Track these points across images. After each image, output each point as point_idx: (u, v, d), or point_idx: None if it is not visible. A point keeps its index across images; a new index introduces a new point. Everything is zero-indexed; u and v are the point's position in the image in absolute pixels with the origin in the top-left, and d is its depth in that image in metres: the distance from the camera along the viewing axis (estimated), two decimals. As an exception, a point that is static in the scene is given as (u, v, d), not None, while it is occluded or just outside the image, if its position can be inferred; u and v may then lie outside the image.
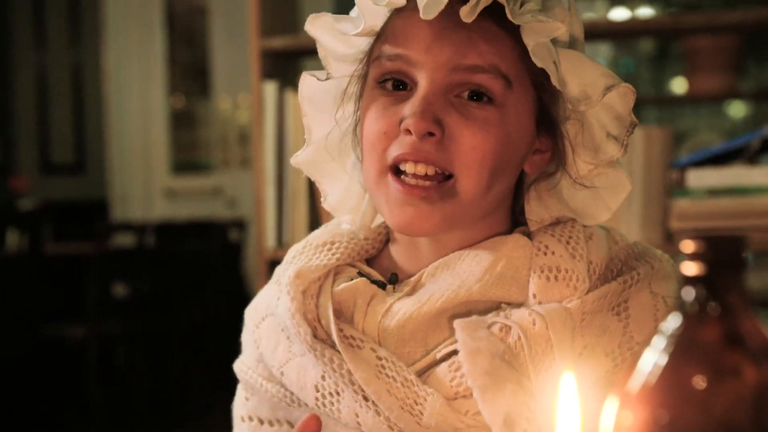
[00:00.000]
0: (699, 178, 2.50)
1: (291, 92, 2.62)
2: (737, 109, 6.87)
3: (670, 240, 2.51)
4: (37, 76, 7.66)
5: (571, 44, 1.12)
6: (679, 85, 6.55)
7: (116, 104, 7.18)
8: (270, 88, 2.64)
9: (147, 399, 5.59)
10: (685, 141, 4.98)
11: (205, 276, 5.64)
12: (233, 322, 1.59)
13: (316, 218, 2.61)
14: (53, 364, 5.71)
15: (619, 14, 6.06)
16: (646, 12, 6.14)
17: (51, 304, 5.64)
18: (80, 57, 7.57)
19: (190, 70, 7.22)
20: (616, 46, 6.54)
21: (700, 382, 0.61)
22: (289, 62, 2.87)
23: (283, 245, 2.63)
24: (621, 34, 3.82)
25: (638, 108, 1.13)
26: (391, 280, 1.14)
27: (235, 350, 1.25)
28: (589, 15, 5.93)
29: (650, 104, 5.91)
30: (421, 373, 1.08)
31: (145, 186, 7.19)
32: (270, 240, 2.65)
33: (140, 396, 5.56)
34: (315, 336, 1.12)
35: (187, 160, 7.24)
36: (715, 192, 2.49)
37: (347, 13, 1.14)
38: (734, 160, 2.52)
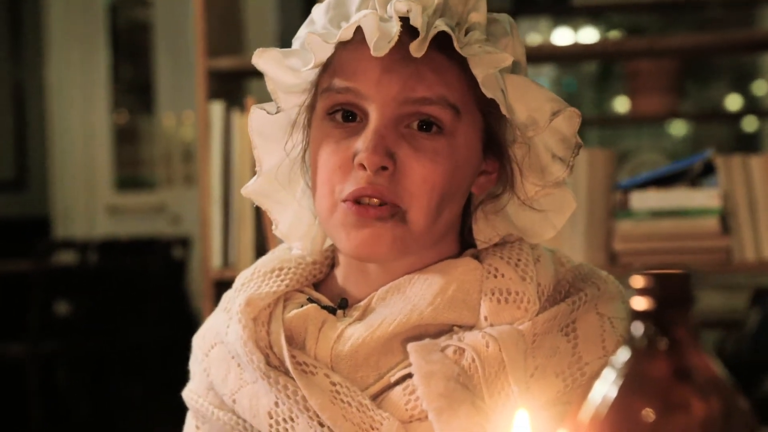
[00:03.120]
0: (642, 199, 2.53)
1: (237, 112, 2.62)
2: (678, 129, 6.97)
3: (614, 261, 2.53)
4: (-22, 92, 7.57)
5: (515, 67, 1.13)
6: (621, 105, 6.63)
7: (58, 120, 7.12)
8: (216, 108, 2.63)
9: (87, 419, 5.53)
10: (628, 160, 5.04)
11: (148, 294, 5.59)
12: (176, 342, 1.58)
13: (262, 238, 2.60)
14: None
15: (563, 34, 6.13)
16: (589, 33, 6.21)
17: (-10, 322, 5.57)
18: (22, 73, 7.49)
19: (133, 86, 7.17)
20: (559, 66, 6.61)
21: (649, 414, 0.62)
22: (235, 82, 2.87)
23: (229, 265, 2.62)
24: (565, 57, 3.86)
25: (581, 128, 1.15)
26: (341, 305, 1.15)
27: (177, 370, 1.25)
28: (534, 36, 5.99)
29: (593, 124, 5.98)
30: (375, 398, 1.09)
31: (87, 203, 7.12)
32: (216, 260, 2.65)
33: (80, 416, 5.50)
34: (268, 363, 1.12)
35: (131, 176, 7.18)
36: (658, 214, 2.53)
37: (292, 31, 1.15)
38: (677, 183, 2.56)
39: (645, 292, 0.63)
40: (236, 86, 2.88)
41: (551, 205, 1.17)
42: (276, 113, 1.15)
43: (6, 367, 5.53)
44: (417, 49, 1.05)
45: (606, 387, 0.64)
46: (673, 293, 0.63)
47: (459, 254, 1.16)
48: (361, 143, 1.07)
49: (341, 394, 1.08)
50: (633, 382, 0.63)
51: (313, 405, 1.08)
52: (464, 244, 1.18)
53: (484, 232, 1.17)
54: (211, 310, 1.26)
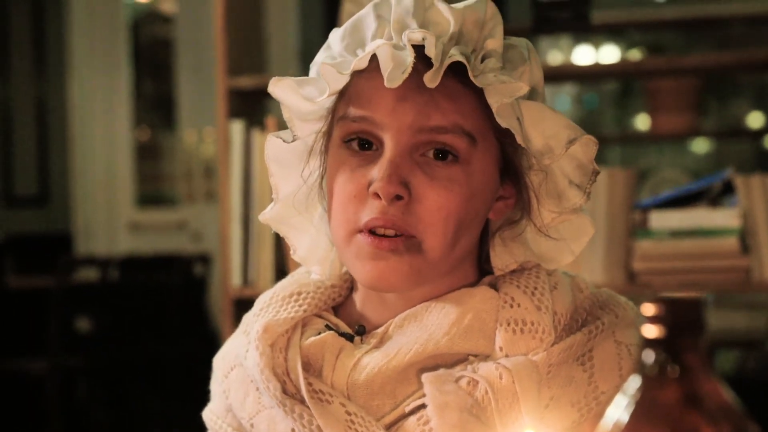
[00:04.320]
0: (662, 219, 2.53)
1: (257, 131, 2.64)
2: (700, 146, 6.95)
3: (633, 281, 2.53)
4: (1, 109, 7.63)
5: (532, 94, 1.12)
6: (642, 122, 6.62)
7: (80, 136, 7.15)
8: (237, 127, 2.65)
9: (108, 434, 5.55)
10: (649, 178, 5.02)
11: (169, 311, 5.61)
12: (196, 358, 1.59)
13: (281, 257, 2.61)
14: (13, 399, 5.65)
15: (584, 52, 6.13)
16: (610, 51, 6.21)
17: (12, 338, 5.59)
18: (44, 89, 7.54)
19: (155, 102, 7.21)
20: (580, 82, 6.61)
21: (660, 441, 0.63)
22: (256, 101, 2.88)
23: (248, 283, 2.63)
24: (586, 77, 3.86)
25: (602, 146, 1.14)
26: (359, 331, 1.15)
27: (197, 386, 1.25)
28: (555, 54, 6.00)
29: (614, 142, 5.97)
30: (390, 427, 1.09)
31: (109, 219, 7.15)
32: (235, 278, 2.65)
33: (100, 431, 5.51)
34: (284, 391, 1.12)
35: (152, 193, 7.21)
36: (677, 233, 2.52)
37: (313, 51, 1.16)
38: (697, 202, 2.56)
39: (655, 319, 0.63)
40: (257, 105, 2.89)
41: (569, 231, 1.16)
42: (292, 141, 1.16)
43: (27, 383, 5.56)
44: (431, 79, 1.05)
45: (617, 413, 0.65)
46: (683, 320, 0.63)
47: (476, 281, 1.16)
48: (377, 172, 1.07)
49: (356, 423, 1.08)
50: (644, 408, 0.63)
51: None
52: (482, 270, 1.18)
53: (501, 258, 1.16)
54: (231, 327, 1.27)
